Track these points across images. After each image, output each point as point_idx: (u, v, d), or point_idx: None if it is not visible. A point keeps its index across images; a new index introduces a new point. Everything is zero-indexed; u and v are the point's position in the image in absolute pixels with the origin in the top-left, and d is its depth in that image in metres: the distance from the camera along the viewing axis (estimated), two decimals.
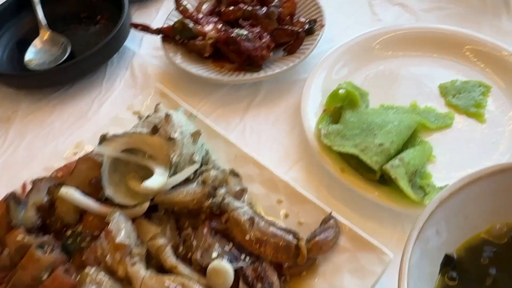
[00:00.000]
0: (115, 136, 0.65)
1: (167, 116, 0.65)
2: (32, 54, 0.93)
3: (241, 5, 0.87)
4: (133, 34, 0.95)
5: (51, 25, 0.99)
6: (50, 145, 0.81)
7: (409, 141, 0.69)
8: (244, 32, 0.80)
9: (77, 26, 1.02)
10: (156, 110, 0.68)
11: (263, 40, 0.81)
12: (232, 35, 0.80)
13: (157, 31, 0.87)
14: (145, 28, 0.89)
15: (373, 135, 0.67)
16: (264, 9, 0.86)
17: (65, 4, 1.04)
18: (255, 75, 0.80)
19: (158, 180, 0.59)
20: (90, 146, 0.76)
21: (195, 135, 0.65)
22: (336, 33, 0.91)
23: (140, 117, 0.70)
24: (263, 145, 0.75)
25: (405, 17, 0.92)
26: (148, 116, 0.68)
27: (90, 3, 1.03)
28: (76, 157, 0.74)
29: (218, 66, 0.85)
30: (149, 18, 1.03)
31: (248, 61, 0.82)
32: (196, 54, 0.86)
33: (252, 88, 0.84)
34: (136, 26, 0.89)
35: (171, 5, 1.01)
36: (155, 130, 0.65)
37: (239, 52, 0.81)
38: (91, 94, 0.89)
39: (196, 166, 0.63)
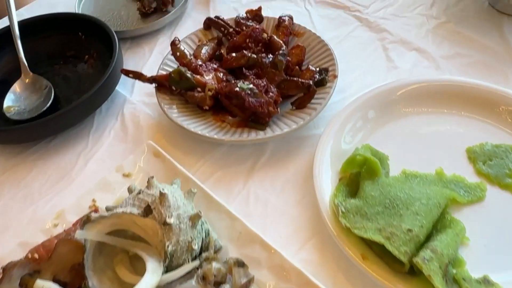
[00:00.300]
0: (101, 217, 0.56)
1: (162, 196, 0.56)
2: (11, 101, 0.84)
3: (245, 52, 0.78)
4: (125, 77, 0.86)
5: (35, 64, 0.90)
6: (28, 210, 0.72)
7: (438, 220, 0.60)
8: (249, 85, 0.72)
9: (63, 66, 0.93)
10: (149, 185, 0.59)
11: (270, 95, 0.72)
12: (236, 89, 0.71)
13: (151, 80, 0.78)
14: (138, 76, 0.80)
15: (398, 215, 0.59)
16: (270, 57, 0.77)
17: (50, 41, 0.95)
18: (260, 135, 0.71)
19: (150, 281, 0.50)
20: (73, 216, 0.67)
21: (195, 219, 0.56)
22: (348, 81, 0.83)
23: (130, 190, 0.61)
24: (270, 218, 0.66)
25: (424, 64, 0.84)
26: (140, 192, 0.59)
27: (77, 40, 0.94)
28: (57, 230, 0.65)
29: (219, 120, 0.76)
30: (142, 59, 0.94)
31: (252, 117, 0.73)
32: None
33: (256, 146, 0.75)
34: (127, 73, 0.81)
35: (166, 44, 0.94)
36: (148, 210, 0.55)
37: (243, 108, 0.72)
38: (76, 148, 0.79)
39: (196, 263, 0.54)
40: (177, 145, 0.77)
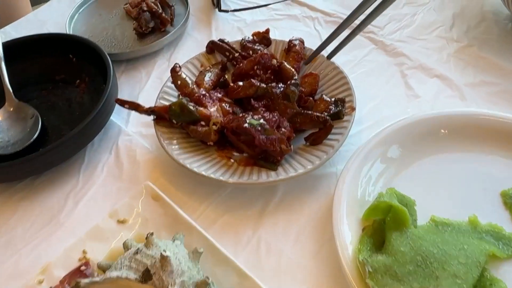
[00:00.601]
0: (92, 283, 0.48)
1: (164, 259, 0.48)
2: None
3: (254, 81, 0.70)
4: None
5: (20, 89, 0.82)
6: (9, 261, 0.63)
7: (478, 281, 0.53)
8: (259, 120, 0.64)
9: (52, 91, 0.85)
10: (148, 243, 0.51)
11: (283, 130, 0.65)
12: (245, 125, 0.64)
13: (149, 111, 0.71)
14: (135, 107, 0.72)
15: (434, 278, 0.51)
16: (281, 86, 0.70)
17: (38, 64, 0.87)
18: (272, 177, 0.63)
19: None
20: (60, 271, 0.59)
21: (201, 286, 0.48)
22: (365, 112, 0.76)
23: (126, 247, 0.53)
24: (284, 273, 0.59)
25: (447, 93, 0.77)
26: (137, 251, 0.51)
27: (68, 63, 0.86)
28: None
29: (224, 157, 0.68)
30: (139, 83, 0.87)
31: (262, 155, 0.66)
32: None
33: (266, 186, 0.67)
34: (123, 103, 0.73)
35: (165, 67, 0.86)
36: (147, 276, 0.48)
37: (252, 145, 0.65)
38: (64, 186, 0.71)
39: None
40: (177, 184, 0.69)
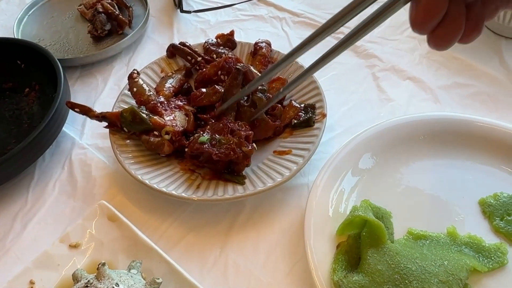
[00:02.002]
0: None
1: None
2: None
3: (218, 87, 0.65)
4: (74, 114, 0.71)
5: None
6: None
7: None
8: (208, 135, 0.59)
9: None
10: (99, 275, 0.46)
11: (237, 131, 0.60)
12: (196, 146, 0.59)
13: (100, 117, 0.65)
14: (85, 111, 0.66)
15: None
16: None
17: None
18: (239, 191, 0.59)
19: None
20: None
21: None
22: (337, 117, 0.72)
23: (75, 279, 0.47)
24: None
25: (421, 96, 0.74)
26: (88, 284, 0.45)
27: (16, 70, 0.79)
28: None
29: (188, 170, 0.63)
30: (95, 90, 0.81)
31: (228, 168, 0.61)
32: None
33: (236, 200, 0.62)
34: (73, 106, 0.67)
35: (123, 72, 0.81)
36: None
37: (214, 162, 0.60)
38: (12, 207, 0.65)
39: None
40: (137, 201, 0.64)
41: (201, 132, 0.61)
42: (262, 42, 0.74)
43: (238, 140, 0.60)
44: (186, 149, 0.61)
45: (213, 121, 0.63)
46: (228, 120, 0.61)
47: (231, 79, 0.63)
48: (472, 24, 0.38)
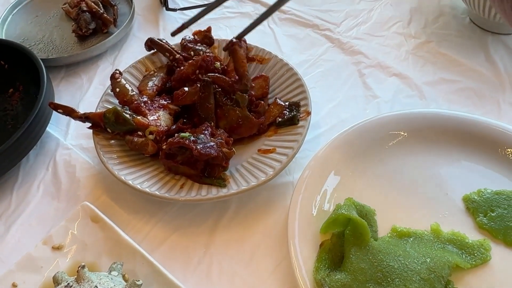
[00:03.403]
0: None
1: None
2: None
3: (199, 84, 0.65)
4: (58, 114, 0.70)
5: None
6: None
7: None
8: (190, 134, 0.59)
9: None
10: (79, 277, 0.45)
11: (218, 136, 0.60)
12: (176, 139, 0.58)
13: (83, 117, 0.65)
14: (68, 112, 0.66)
15: None
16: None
17: None
18: (223, 191, 0.58)
19: None
20: None
21: None
22: (322, 115, 0.72)
23: (56, 281, 0.47)
24: None
25: (406, 92, 0.74)
26: (68, 287, 0.45)
27: (0, 71, 0.78)
28: None
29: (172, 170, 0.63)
30: (80, 90, 0.80)
31: (206, 170, 0.60)
32: None
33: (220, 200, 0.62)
34: (56, 107, 0.66)
35: (108, 71, 0.80)
36: None
37: (192, 162, 0.59)
38: None
39: None
40: (121, 202, 0.64)
41: (183, 131, 0.60)
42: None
43: (221, 141, 0.59)
44: (163, 147, 0.60)
45: (195, 121, 0.62)
46: (208, 125, 0.60)
47: (201, 92, 0.63)
48: None
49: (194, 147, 0.57)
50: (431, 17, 0.85)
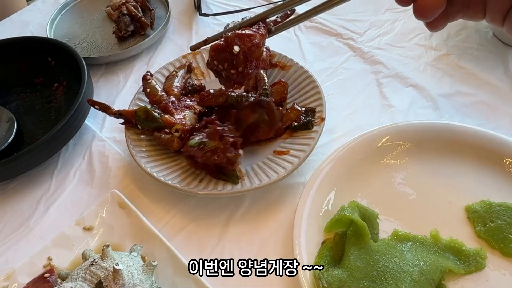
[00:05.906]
0: None
1: (116, 272, 0.49)
2: None
3: (223, 89, 0.70)
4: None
5: None
6: None
7: None
8: (199, 139, 0.64)
9: (29, 95, 0.86)
10: (103, 255, 0.52)
11: (226, 139, 0.65)
12: (185, 149, 0.64)
13: (117, 114, 0.71)
14: (105, 108, 0.72)
15: None
16: (252, 96, 0.70)
17: (17, 67, 0.88)
18: (237, 187, 0.64)
19: None
20: (24, 277, 0.60)
21: None
22: (337, 121, 0.76)
23: (84, 257, 0.54)
24: (244, 285, 0.59)
25: (421, 103, 0.77)
26: (93, 263, 0.51)
27: (47, 66, 0.87)
28: None
29: (194, 164, 0.69)
30: (116, 87, 0.87)
31: (219, 169, 0.66)
32: None
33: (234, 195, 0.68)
34: (94, 104, 0.73)
35: (143, 71, 0.87)
36: None
37: (205, 163, 0.65)
38: (37, 191, 0.72)
39: None
40: (146, 191, 0.70)
41: (195, 134, 0.65)
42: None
43: (224, 146, 0.64)
44: (181, 150, 0.66)
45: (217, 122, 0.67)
46: (220, 125, 0.65)
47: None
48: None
49: (198, 155, 0.63)
50: (454, 30, 0.87)
